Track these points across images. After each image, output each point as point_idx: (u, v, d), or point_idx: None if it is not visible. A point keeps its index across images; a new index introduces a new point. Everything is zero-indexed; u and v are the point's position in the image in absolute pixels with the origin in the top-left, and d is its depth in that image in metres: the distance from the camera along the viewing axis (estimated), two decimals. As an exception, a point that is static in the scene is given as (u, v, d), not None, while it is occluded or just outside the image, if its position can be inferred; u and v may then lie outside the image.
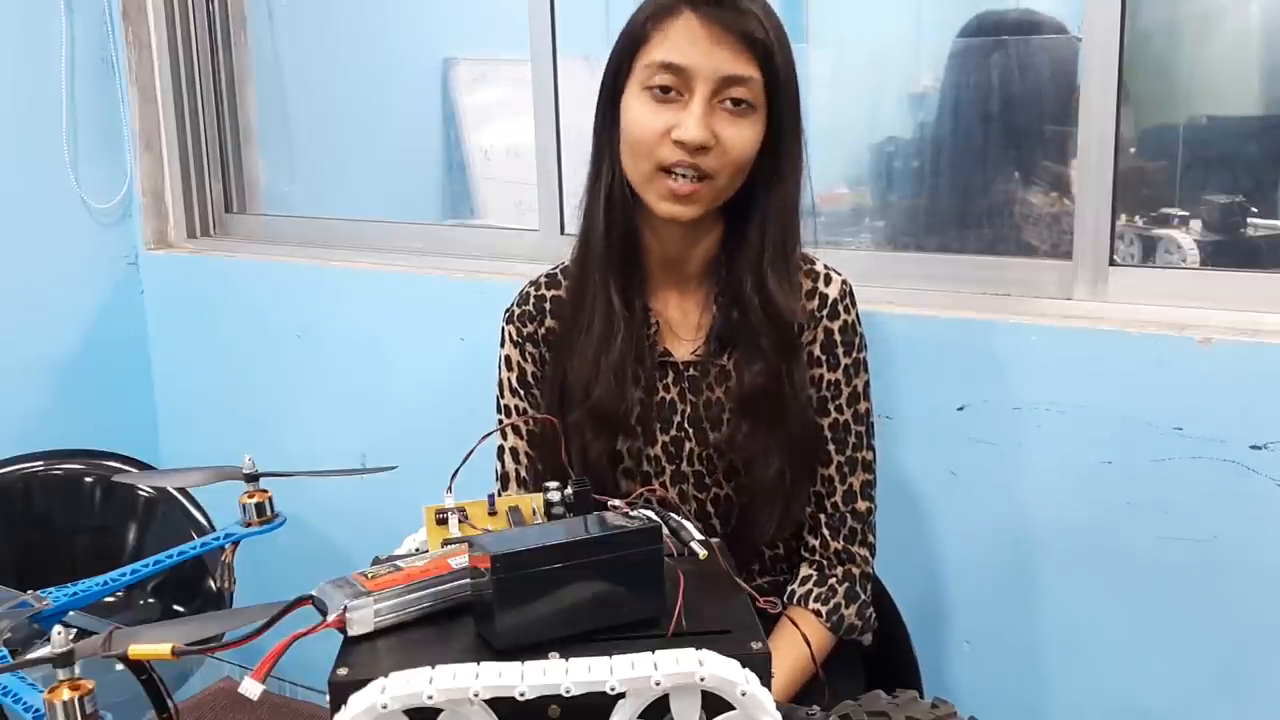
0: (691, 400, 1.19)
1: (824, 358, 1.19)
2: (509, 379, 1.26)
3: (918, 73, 2.04)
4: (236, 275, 2.25)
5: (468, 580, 0.67)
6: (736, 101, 1.08)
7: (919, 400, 1.52)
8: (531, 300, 1.25)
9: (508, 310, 1.27)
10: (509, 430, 1.24)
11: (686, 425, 1.19)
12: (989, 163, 1.77)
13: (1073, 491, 1.45)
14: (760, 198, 1.14)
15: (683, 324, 1.21)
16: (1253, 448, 1.33)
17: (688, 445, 1.19)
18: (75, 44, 2.22)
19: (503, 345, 1.26)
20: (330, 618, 0.65)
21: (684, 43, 1.07)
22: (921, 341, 1.52)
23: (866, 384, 1.23)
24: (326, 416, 2.15)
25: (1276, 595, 1.34)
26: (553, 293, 1.25)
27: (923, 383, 1.52)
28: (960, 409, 1.51)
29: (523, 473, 1.24)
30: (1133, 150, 1.55)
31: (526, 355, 1.24)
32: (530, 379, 1.25)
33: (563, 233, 1.92)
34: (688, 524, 0.76)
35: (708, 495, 1.20)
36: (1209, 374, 1.34)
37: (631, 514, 0.71)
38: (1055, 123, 1.63)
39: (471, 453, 0.92)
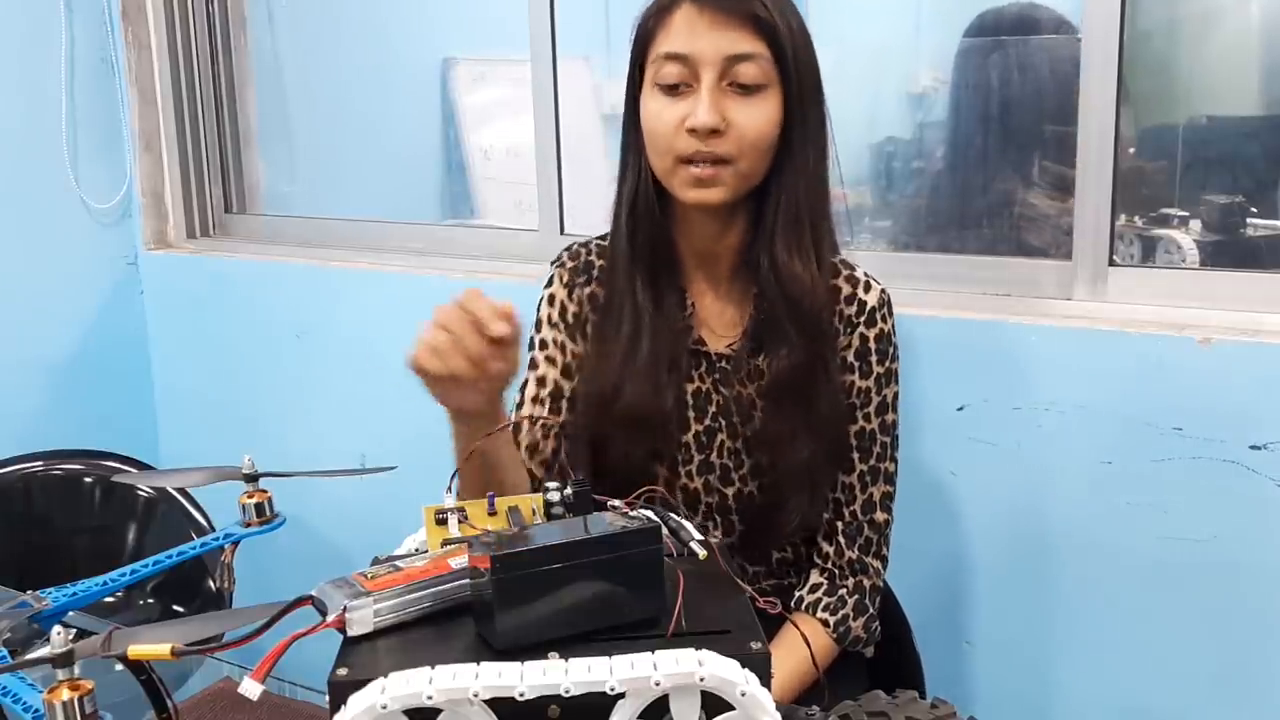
0: (724, 393, 1.18)
1: (857, 364, 1.18)
2: (549, 314, 1.22)
3: (917, 73, 2.04)
4: (236, 275, 2.25)
5: (468, 580, 0.67)
6: (746, 85, 1.07)
7: (919, 400, 1.52)
8: (583, 259, 1.23)
9: (558, 258, 1.25)
10: (542, 360, 1.21)
11: (720, 417, 1.18)
12: (997, 163, 1.76)
13: (1072, 491, 1.45)
14: (771, 181, 1.13)
15: (719, 319, 1.19)
16: (1253, 448, 1.33)
17: (719, 437, 1.18)
18: (75, 44, 2.22)
19: (549, 285, 1.23)
20: (330, 618, 0.65)
21: (685, 32, 1.07)
22: (921, 341, 1.52)
23: (895, 395, 1.21)
24: (326, 416, 2.15)
25: (1276, 595, 1.34)
26: (600, 262, 1.23)
27: (922, 383, 1.52)
28: (960, 409, 1.51)
29: (544, 394, 1.21)
30: (1132, 150, 1.55)
31: (573, 297, 1.22)
32: (572, 317, 1.22)
33: (562, 233, 1.92)
34: (687, 524, 0.76)
35: (732, 490, 1.19)
36: (1209, 374, 1.34)
37: (631, 514, 0.71)
38: (1063, 123, 1.63)
39: (471, 453, 0.92)
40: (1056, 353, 1.44)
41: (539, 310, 1.24)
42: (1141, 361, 1.38)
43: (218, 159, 2.40)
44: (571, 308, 1.22)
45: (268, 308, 2.20)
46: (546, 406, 1.20)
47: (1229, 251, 1.53)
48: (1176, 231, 1.53)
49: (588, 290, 1.22)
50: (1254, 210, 1.53)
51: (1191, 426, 1.36)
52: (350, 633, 0.65)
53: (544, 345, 1.22)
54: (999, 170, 1.75)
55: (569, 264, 1.24)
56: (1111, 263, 1.47)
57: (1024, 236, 1.68)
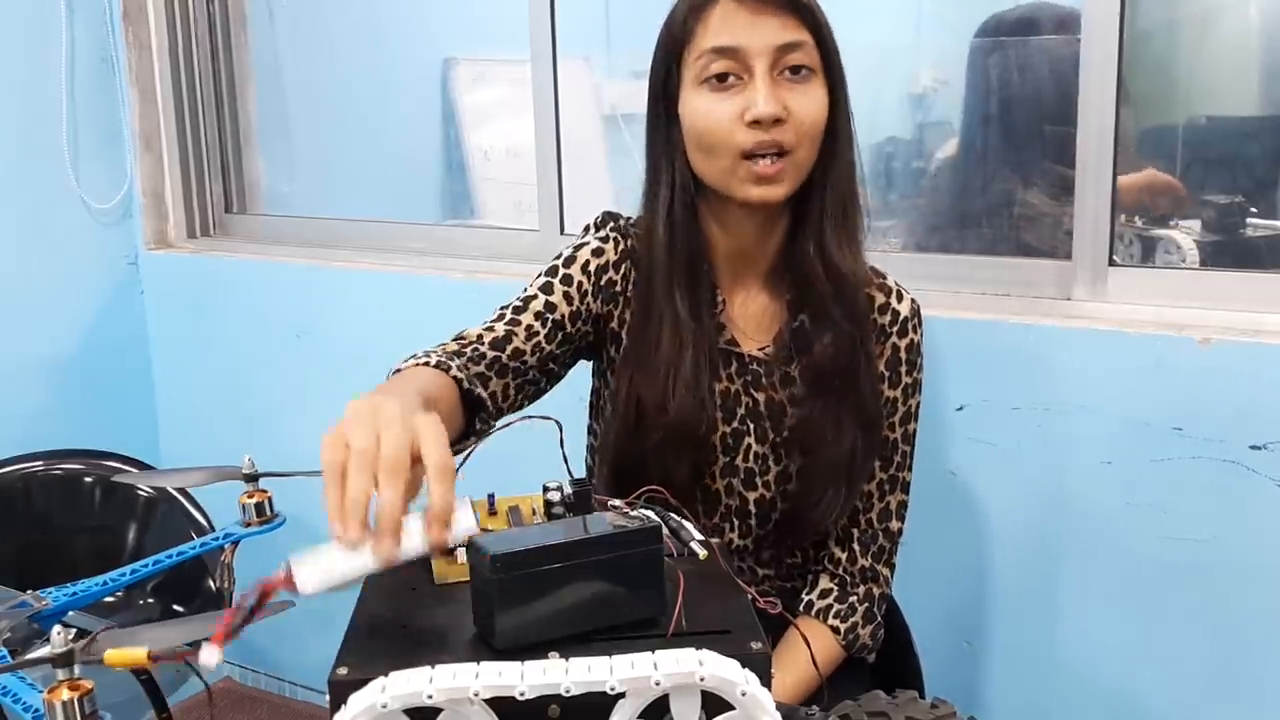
0: (755, 396, 1.16)
1: (887, 374, 1.18)
2: (590, 261, 1.15)
3: (918, 73, 2.04)
4: (236, 275, 2.25)
5: (417, 539, 0.66)
6: (796, 69, 1.06)
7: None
8: (630, 244, 1.17)
9: (614, 224, 1.19)
10: (559, 291, 1.13)
11: (749, 420, 1.16)
12: (1010, 162, 1.75)
13: (1073, 491, 1.45)
14: (818, 168, 1.11)
15: (751, 322, 1.18)
16: (1253, 448, 1.33)
17: (746, 440, 1.16)
18: (75, 44, 2.22)
19: (601, 239, 1.16)
20: (278, 575, 0.65)
21: (728, 26, 1.05)
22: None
23: (918, 405, 1.22)
24: (327, 416, 2.14)
25: (1276, 595, 1.34)
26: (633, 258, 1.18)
27: (923, 382, 1.52)
28: (960, 409, 1.51)
29: (540, 322, 1.11)
30: (1132, 150, 1.55)
31: (619, 270, 1.16)
32: (606, 283, 1.16)
33: (562, 233, 1.92)
34: (688, 524, 0.76)
35: (754, 495, 1.18)
36: (1209, 374, 1.34)
37: (631, 514, 0.71)
38: (1070, 123, 1.62)
39: (471, 452, 0.92)
40: (1056, 353, 1.44)
41: (576, 250, 1.17)
42: (1141, 361, 1.38)
43: (218, 159, 2.40)
44: (610, 275, 1.16)
45: (268, 308, 2.20)
46: (538, 335, 1.11)
47: (1229, 251, 1.53)
48: (1176, 231, 1.53)
49: (622, 288, 1.17)
50: (1254, 210, 1.53)
51: (1191, 426, 1.36)
52: (302, 591, 0.64)
53: (567, 281, 1.14)
54: (1018, 170, 1.73)
55: (623, 242, 1.18)
56: (1111, 263, 1.47)
57: (1024, 236, 1.67)
